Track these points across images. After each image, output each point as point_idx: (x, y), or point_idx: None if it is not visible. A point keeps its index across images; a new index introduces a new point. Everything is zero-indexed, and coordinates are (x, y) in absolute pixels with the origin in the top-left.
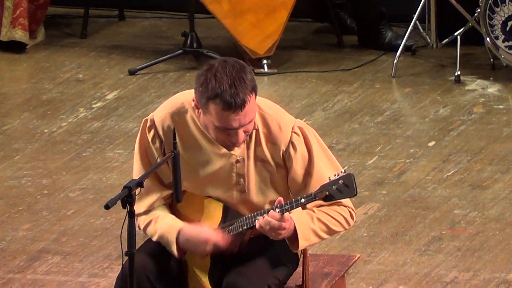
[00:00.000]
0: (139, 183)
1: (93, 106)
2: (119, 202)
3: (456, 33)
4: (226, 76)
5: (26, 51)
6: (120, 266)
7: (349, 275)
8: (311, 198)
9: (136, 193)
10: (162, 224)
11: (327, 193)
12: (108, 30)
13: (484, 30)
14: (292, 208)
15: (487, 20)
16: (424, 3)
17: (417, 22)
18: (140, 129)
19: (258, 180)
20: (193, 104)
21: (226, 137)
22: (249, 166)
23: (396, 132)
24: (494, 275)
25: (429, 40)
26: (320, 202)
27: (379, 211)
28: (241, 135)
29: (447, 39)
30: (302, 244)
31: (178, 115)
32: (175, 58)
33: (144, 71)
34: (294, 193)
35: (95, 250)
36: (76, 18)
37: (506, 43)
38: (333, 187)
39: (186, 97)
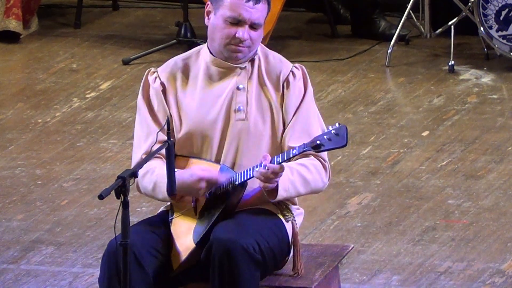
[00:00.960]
0: (133, 173)
1: (87, 96)
2: (113, 192)
3: (450, 23)
4: None
5: (19, 41)
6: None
7: (342, 265)
8: (302, 148)
9: (131, 184)
10: (156, 173)
11: (317, 142)
12: (102, 20)
13: (478, 19)
14: (284, 159)
15: (481, 9)
16: None
17: (410, 11)
18: (143, 78)
19: (258, 109)
20: (205, 10)
21: (233, 33)
22: (250, 93)
23: (390, 122)
24: (488, 265)
25: (423, 29)
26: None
27: (373, 201)
28: (247, 34)
29: (441, 29)
30: (281, 194)
31: (181, 60)
32: (169, 48)
33: (138, 61)
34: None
35: (89, 240)
36: (70, 8)
37: (500, 33)
38: (324, 136)
39: (192, 49)
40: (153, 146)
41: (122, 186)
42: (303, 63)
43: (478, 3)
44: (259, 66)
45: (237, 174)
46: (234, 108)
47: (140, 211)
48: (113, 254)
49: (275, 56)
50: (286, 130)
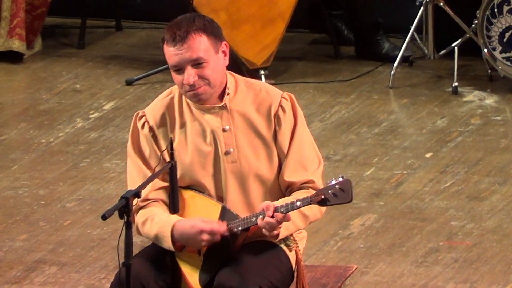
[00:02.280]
0: (137, 194)
1: (90, 116)
2: (116, 213)
3: (453, 44)
4: (176, 21)
5: (23, 61)
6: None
7: (346, 286)
8: (307, 201)
9: (134, 204)
10: (157, 221)
11: (322, 197)
12: (106, 41)
13: (482, 41)
14: (287, 211)
15: (485, 31)
16: (422, 14)
17: (414, 33)
18: (132, 123)
19: (248, 149)
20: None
21: (182, 81)
22: (237, 134)
23: (393, 143)
24: (491, 286)
25: (426, 51)
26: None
27: (376, 222)
28: (191, 76)
29: (444, 50)
30: (283, 234)
31: (167, 99)
32: None
33: (141, 81)
34: (281, 162)
35: (92, 261)
36: (74, 28)
37: (504, 54)
38: (329, 191)
39: (173, 86)
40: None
41: (125, 206)
42: (306, 84)
43: (482, 25)
44: (244, 103)
45: (239, 221)
46: (224, 150)
47: None
48: (121, 283)
49: (262, 89)
50: (283, 166)
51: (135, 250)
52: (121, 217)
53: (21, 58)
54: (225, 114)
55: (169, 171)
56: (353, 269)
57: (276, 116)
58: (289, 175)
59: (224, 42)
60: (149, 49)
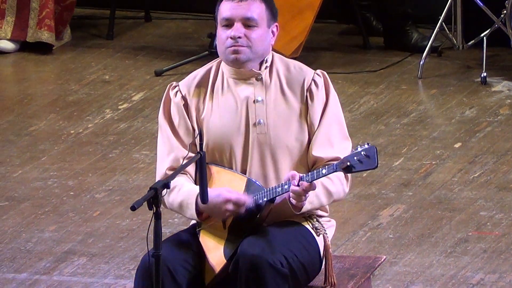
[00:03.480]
0: (166, 185)
1: (119, 107)
2: (145, 204)
3: (482, 35)
4: None
5: (52, 52)
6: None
7: (375, 276)
8: (333, 169)
9: (163, 194)
10: (183, 191)
11: (348, 163)
12: (134, 31)
13: (510, 31)
14: (313, 178)
15: None
16: (450, 4)
17: (443, 23)
18: (165, 93)
19: (279, 122)
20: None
21: (227, 37)
22: (269, 106)
23: (422, 134)
24: None
25: (455, 41)
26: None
27: (405, 213)
28: (239, 31)
29: (473, 41)
30: (306, 207)
31: (202, 72)
32: (201, 59)
33: (170, 72)
34: (310, 137)
35: (121, 252)
36: (103, 19)
37: None
38: (355, 157)
39: (213, 61)
40: (184, 158)
41: (154, 197)
42: (335, 75)
43: (511, 15)
44: (278, 76)
45: (264, 191)
46: (254, 121)
47: (173, 222)
48: (147, 268)
49: (295, 65)
50: (312, 141)
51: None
52: (150, 208)
53: (50, 49)
54: (259, 85)
55: (198, 161)
56: (382, 260)
57: (309, 90)
58: (317, 151)
59: (276, 24)
60: (178, 40)
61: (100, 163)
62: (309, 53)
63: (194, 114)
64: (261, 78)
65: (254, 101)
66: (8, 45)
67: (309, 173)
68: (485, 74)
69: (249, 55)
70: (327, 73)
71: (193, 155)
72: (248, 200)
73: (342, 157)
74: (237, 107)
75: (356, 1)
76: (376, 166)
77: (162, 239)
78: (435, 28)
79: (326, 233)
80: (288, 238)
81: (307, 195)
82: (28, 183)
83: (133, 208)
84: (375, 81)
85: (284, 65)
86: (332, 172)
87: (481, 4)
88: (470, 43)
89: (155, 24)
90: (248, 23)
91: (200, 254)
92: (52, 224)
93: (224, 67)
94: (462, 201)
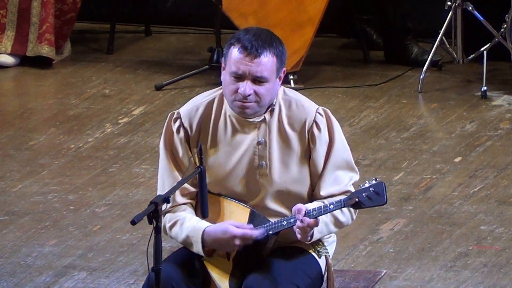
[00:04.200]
0: (166, 199)
1: (120, 121)
2: (145, 218)
3: (482, 49)
4: (257, 31)
5: (52, 66)
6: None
7: None
8: (340, 205)
9: (163, 209)
10: (187, 226)
11: (356, 199)
12: (135, 46)
13: (511, 45)
14: (320, 214)
15: None
16: (450, 18)
17: (443, 37)
18: (166, 123)
19: (281, 163)
20: (222, 69)
21: (236, 89)
22: (271, 148)
23: (422, 148)
24: None
25: (455, 55)
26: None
27: (405, 227)
28: (249, 89)
29: (473, 55)
30: (316, 236)
31: (204, 105)
32: (202, 73)
33: (170, 86)
34: (312, 178)
35: (121, 266)
36: (103, 34)
37: None
38: (363, 194)
39: (211, 90)
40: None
41: (155, 211)
42: (336, 89)
43: (511, 29)
44: (280, 117)
45: (270, 225)
46: (256, 163)
47: None
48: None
49: (298, 103)
50: (318, 182)
51: (164, 255)
52: (150, 222)
53: (50, 63)
54: (263, 127)
55: (198, 176)
56: (382, 274)
57: (310, 132)
58: (324, 191)
59: (284, 69)
60: (178, 54)
61: (100, 178)
62: (309, 67)
63: (195, 149)
64: (265, 120)
65: (257, 143)
66: (8, 60)
67: (316, 207)
68: (485, 88)
69: (256, 109)
70: (327, 87)
71: (193, 189)
72: (254, 234)
73: (351, 191)
74: (240, 148)
75: (357, 15)
76: (385, 203)
77: (163, 254)
78: (435, 42)
79: (328, 253)
80: (290, 270)
81: (312, 229)
82: (28, 197)
83: (133, 223)
84: (375, 95)
85: (286, 105)
86: (339, 208)
87: (481, 18)
88: (470, 57)
89: (155, 38)
90: (258, 80)
91: (204, 275)
92: (52, 239)
93: (227, 106)
94: (463, 215)
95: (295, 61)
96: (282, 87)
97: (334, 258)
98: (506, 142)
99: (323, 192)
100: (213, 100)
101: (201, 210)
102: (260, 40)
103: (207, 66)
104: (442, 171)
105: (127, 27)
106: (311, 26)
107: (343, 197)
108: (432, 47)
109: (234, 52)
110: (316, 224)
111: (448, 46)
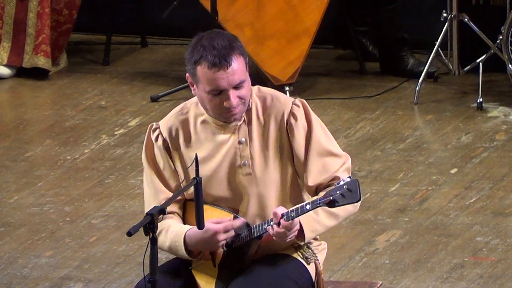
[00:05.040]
0: (162, 210)
1: (116, 133)
2: (141, 229)
3: (478, 60)
4: (211, 40)
5: (48, 77)
6: None
7: None
8: (316, 204)
9: (159, 220)
10: (170, 232)
11: (331, 198)
12: (131, 57)
13: (506, 57)
14: (297, 215)
15: (509, 46)
16: (446, 29)
17: (439, 49)
18: (146, 135)
19: (263, 161)
20: (188, 82)
21: (220, 103)
22: (253, 146)
23: (418, 159)
24: None
25: (451, 67)
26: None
27: (401, 238)
28: (234, 98)
29: (469, 66)
30: (309, 235)
31: (181, 114)
32: None
33: (166, 98)
34: (299, 169)
35: (117, 277)
36: (99, 45)
37: None
38: (337, 192)
39: (189, 100)
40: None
41: (151, 223)
42: (331, 100)
43: (507, 41)
44: (257, 114)
45: (251, 229)
46: (239, 163)
47: None
48: None
49: (273, 97)
50: (305, 173)
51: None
52: (146, 234)
53: (46, 74)
54: (242, 127)
55: (194, 187)
56: (378, 285)
57: (288, 124)
58: (313, 180)
59: (247, 58)
60: (174, 65)
61: (96, 189)
62: (305, 78)
63: (176, 158)
64: (244, 120)
65: (238, 142)
66: (4, 71)
67: (294, 209)
68: (481, 99)
69: (243, 109)
70: (323, 98)
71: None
72: (234, 224)
73: (340, 176)
74: (222, 150)
75: (352, 27)
76: (359, 200)
77: (159, 265)
78: (431, 53)
79: (317, 259)
80: (276, 277)
81: (291, 233)
82: (24, 208)
83: (129, 234)
84: (371, 106)
85: (261, 100)
86: (316, 207)
87: (477, 29)
88: (466, 68)
89: (151, 50)
90: (238, 86)
91: (191, 283)
92: (48, 250)
93: (205, 113)
94: (458, 226)
95: (291, 72)
96: (256, 86)
97: (330, 269)
98: (502, 153)
99: (310, 182)
100: (188, 109)
101: (197, 222)
102: (221, 48)
103: None
104: (438, 183)
105: (123, 39)
106: (307, 37)
107: (321, 195)
108: (428, 59)
109: (204, 71)
110: (293, 225)
111: (444, 57)
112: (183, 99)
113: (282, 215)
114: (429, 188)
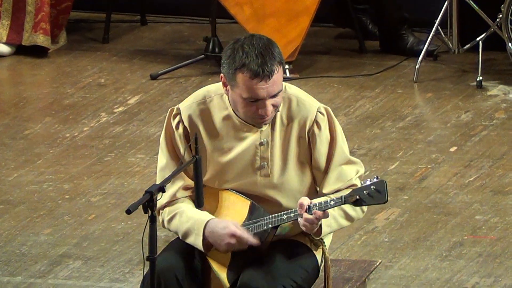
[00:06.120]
0: (161, 188)
1: (115, 110)
2: (140, 207)
3: (478, 39)
4: (253, 47)
5: (48, 55)
6: (141, 271)
7: (370, 280)
8: (340, 201)
9: (158, 198)
10: (188, 218)
11: (357, 197)
12: (130, 35)
13: (506, 35)
14: (320, 210)
15: (509, 25)
16: (446, 8)
17: (439, 27)
18: (166, 118)
19: (282, 164)
20: (221, 82)
21: (255, 110)
22: (274, 149)
23: (417, 138)
24: None
25: (450, 45)
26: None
27: (400, 217)
28: (270, 107)
29: (469, 45)
30: (325, 230)
31: (204, 103)
32: (197, 63)
33: (166, 76)
34: (316, 176)
35: (116, 255)
36: (98, 23)
37: None
38: (364, 192)
39: (212, 87)
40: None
41: (150, 201)
42: (331, 78)
43: (506, 19)
44: (281, 116)
45: (269, 218)
46: (258, 164)
47: None
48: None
49: (299, 101)
50: (323, 180)
51: (160, 245)
52: (145, 212)
53: (46, 52)
54: (265, 128)
55: (194, 165)
56: (377, 263)
57: (311, 131)
58: (328, 188)
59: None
60: (173, 43)
61: (96, 167)
62: (305, 56)
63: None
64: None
65: (259, 143)
66: (4, 49)
67: (317, 203)
68: (480, 78)
69: (274, 114)
70: (323, 76)
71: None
72: (251, 240)
73: (357, 184)
74: (240, 146)
75: (352, 5)
76: (386, 201)
77: (158, 243)
78: (431, 32)
79: (325, 245)
80: (287, 264)
81: (313, 226)
82: (23, 186)
83: (128, 212)
84: (371, 84)
85: (287, 103)
86: (340, 205)
87: (477, 8)
88: (466, 47)
89: (150, 28)
90: (275, 95)
91: (203, 265)
92: (47, 228)
93: (230, 108)
94: (458, 205)
95: (291, 50)
96: (284, 84)
97: (329, 247)
98: (501, 132)
99: (325, 190)
100: (212, 99)
101: (196, 200)
102: (266, 57)
103: (202, 56)
104: (437, 161)
105: (122, 17)
106: (307, 15)
107: (346, 192)
108: (428, 37)
109: (245, 78)
110: (325, 216)
111: (443, 36)
112: (182, 77)
113: (309, 207)
114: (429, 166)
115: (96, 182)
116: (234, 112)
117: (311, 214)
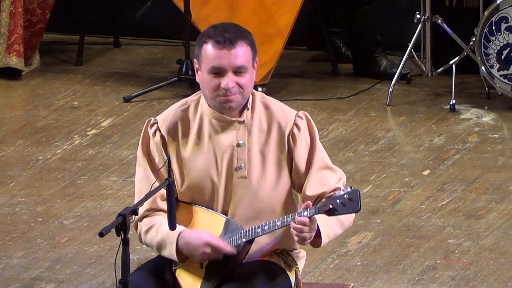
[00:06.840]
0: (134, 211)
1: (88, 133)
2: (113, 230)
3: (451, 62)
4: (224, 25)
5: (21, 77)
6: None
7: None
8: (314, 212)
9: (131, 221)
10: (162, 229)
11: (330, 206)
12: (104, 57)
13: (479, 59)
14: (294, 221)
15: (482, 49)
16: (419, 31)
17: (412, 50)
18: (143, 129)
19: (260, 166)
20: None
21: (218, 85)
22: (251, 151)
23: (390, 161)
24: None
25: (424, 68)
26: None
27: (373, 240)
28: (232, 82)
29: (442, 68)
30: (324, 241)
31: (182, 110)
32: (170, 85)
33: (139, 98)
34: (296, 180)
35: (89, 278)
36: (72, 45)
37: (501, 72)
38: (338, 201)
39: (189, 97)
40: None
41: (123, 223)
42: (304, 101)
43: (480, 43)
44: (259, 118)
45: (243, 232)
46: (236, 165)
47: (141, 248)
48: None
49: (276, 106)
50: (304, 184)
51: (132, 268)
52: (118, 234)
53: (19, 74)
54: (242, 129)
55: (167, 188)
56: (350, 287)
57: (291, 134)
58: (312, 191)
59: (257, 59)
60: (147, 66)
61: (69, 189)
62: (278, 79)
63: (173, 155)
64: (243, 121)
65: (236, 145)
66: None
67: (290, 214)
68: (454, 101)
69: (241, 100)
70: (296, 99)
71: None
72: (227, 249)
73: (341, 187)
74: (219, 151)
75: (326, 28)
76: (359, 210)
77: (131, 266)
78: (404, 55)
79: (298, 268)
80: (260, 283)
81: (312, 232)
82: None
83: (101, 235)
84: (344, 108)
85: (265, 107)
86: (314, 215)
87: (450, 31)
88: (439, 70)
89: (124, 50)
90: (239, 70)
91: (174, 284)
92: (20, 250)
93: (205, 108)
94: (430, 228)
95: (264, 73)
96: (261, 93)
97: (302, 271)
98: (474, 155)
99: (309, 192)
100: (188, 106)
101: (169, 223)
102: (231, 32)
103: (176, 78)
104: (410, 184)
105: (96, 39)
106: (281, 38)
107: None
108: (401, 60)
109: (209, 49)
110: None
111: (417, 59)
112: (155, 100)
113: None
114: (402, 190)
115: (69, 205)
116: (208, 105)
117: (283, 226)
